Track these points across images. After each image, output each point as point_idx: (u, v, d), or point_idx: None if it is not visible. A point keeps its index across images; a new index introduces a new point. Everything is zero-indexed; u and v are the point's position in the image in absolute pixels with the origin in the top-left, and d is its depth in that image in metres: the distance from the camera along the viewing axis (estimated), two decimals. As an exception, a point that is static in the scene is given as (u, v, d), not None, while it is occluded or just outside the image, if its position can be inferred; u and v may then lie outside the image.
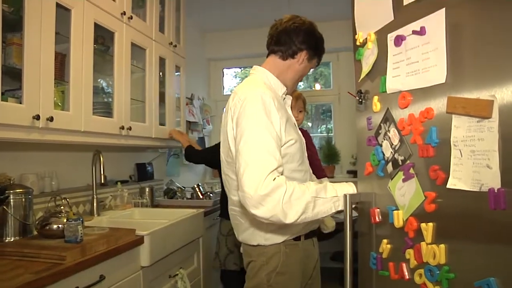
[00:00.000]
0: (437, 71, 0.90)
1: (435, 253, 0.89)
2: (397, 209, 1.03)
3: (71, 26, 1.91)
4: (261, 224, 1.43)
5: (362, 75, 1.19)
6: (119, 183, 2.68)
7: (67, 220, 1.63)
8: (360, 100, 1.19)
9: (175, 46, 3.05)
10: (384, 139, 1.10)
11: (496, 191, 0.75)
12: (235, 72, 5.26)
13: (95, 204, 2.36)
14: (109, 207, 2.59)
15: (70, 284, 1.46)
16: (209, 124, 4.46)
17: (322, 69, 4.86)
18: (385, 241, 1.09)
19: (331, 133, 4.67)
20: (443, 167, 0.88)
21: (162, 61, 2.88)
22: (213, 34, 4.66)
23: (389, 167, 1.08)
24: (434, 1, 0.92)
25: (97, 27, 2.10)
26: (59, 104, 1.91)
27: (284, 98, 1.56)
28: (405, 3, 1.02)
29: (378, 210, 1.12)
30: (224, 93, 4.96)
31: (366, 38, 1.16)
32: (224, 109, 1.53)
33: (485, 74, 0.80)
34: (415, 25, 0.96)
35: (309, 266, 1.61)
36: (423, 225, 0.94)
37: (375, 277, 1.14)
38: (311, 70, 1.69)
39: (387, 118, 1.08)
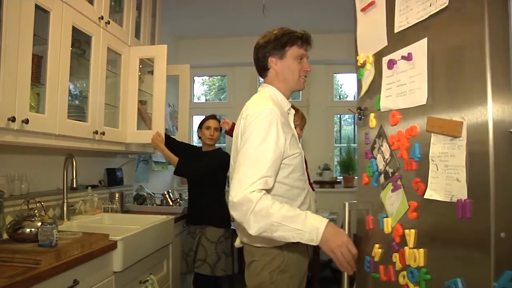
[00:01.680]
0: (420, 93, 1.00)
1: (416, 256, 0.99)
2: (387, 216, 1.13)
3: (50, 28, 1.89)
4: None
5: (362, 93, 1.30)
6: (89, 187, 2.65)
7: (42, 224, 1.60)
8: (360, 116, 1.30)
9: (150, 52, 3.06)
10: (378, 153, 1.20)
11: (463, 201, 0.84)
12: (202, 79, 5.29)
13: (65, 209, 2.32)
14: (78, 211, 2.55)
15: (44, 288, 1.45)
16: (177, 130, 4.45)
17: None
18: (377, 245, 1.19)
19: (299, 143, 4.78)
20: (423, 180, 0.98)
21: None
22: (185, 41, 4.69)
23: (381, 178, 1.18)
24: (419, 31, 1.03)
25: (75, 30, 2.09)
26: (34, 106, 1.88)
27: (289, 113, 1.71)
28: (395, 30, 1.13)
29: (372, 217, 1.22)
30: (194, 101, 4.97)
31: (365, 60, 1.26)
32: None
33: (455, 98, 0.91)
34: (404, 51, 1.07)
35: (304, 267, 1.71)
36: (406, 231, 1.04)
37: (370, 280, 1.24)
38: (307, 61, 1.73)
39: (381, 134, 1.19)
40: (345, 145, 4.72)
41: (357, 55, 1.34)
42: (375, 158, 1.22)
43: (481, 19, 0.83)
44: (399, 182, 1.08)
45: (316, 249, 3.66)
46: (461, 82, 0.90)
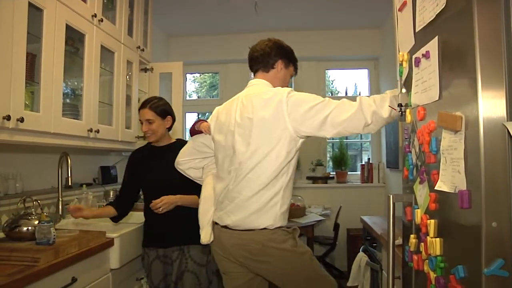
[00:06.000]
0: (434, 89, 1.05)
1: (434, 245, 1.03)
2: (418, 208, 1.19)
3: (43, 26, 1.89)
4: None
5: (401, 91, 1.36)
6: (84, 185, 2.65)
7: (39, 222, 1.61)
8: (401, 112, 1.34)
9: (143, 50, 3.06)
10: (412, 147, 1.26)
11: (462, 192, 0.88)
12: (194, 77, 5.29)
13: (60, 207, 2.32)
14: (73, 210, 2.55)
15: (43, 286, 1.46)
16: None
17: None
18: (412, 236, 1.23)
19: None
20: (439, 172, 1.03)
21: (129, 65, 2.88)
22: (177, 39, 4.68)
23: (414, 171, 1.24)
24: (432, 30, 1.08)
25: (68, 28, 2.08)
26: (28, 104, 1.88)
27: None
28: (416, 30, 1.19)
29: (410, 208, 1.27)
30: (186, 98, 4.98)
31: (403, 58, 1.32)
32: (237, 115, 1.70)
33: (457, 93, 0.94)
34: (424, 50, 1.12)
35: None
36: (428, 221, 1.08)
37: (408, 269, 1.31)
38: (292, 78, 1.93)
39: (413, 129, 1.24)
40: (337, 140, 4.76)
41: (399, 53, 1.38)
42: (411, 152, 1.28)
43: (470, 16, 0.86)
44: (424, 175, 1.14)
45: (310, 245, 3.70)
46: (460, 77, 0.93)
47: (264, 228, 1.58)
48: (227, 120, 1.73)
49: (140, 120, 2.23)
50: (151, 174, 2.22)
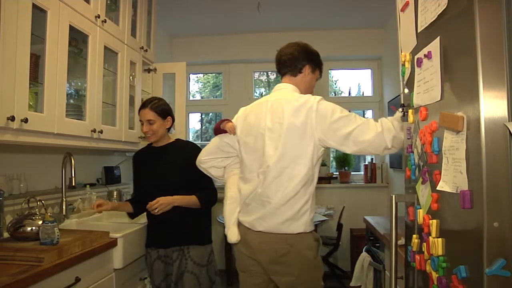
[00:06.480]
0: (436, 90, 1.05)
1: (436, 245, 1.03)
2: (420, 208, 1.19)
3: (47, 27, 1.90)
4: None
5: (403, 91, 1.36)
6: (88, 186, 2.66)
7: (43, 222, 1.62)
8: (403, 112, 1.36)
9: (146, 50, 3.07)
10: (414, 147, 1.26)
11: (464, 192, 0.88)
12: (197, 77, 5.31)
13: (64, 207, 2.33)
14: (77, 210, 2.56)
15: (47, 286, 1.47)
16: (174, 129, 4.46)
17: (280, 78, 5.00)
18: (414, 236, 1.24)
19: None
20: (441, 172, 1.03)
21: (132, 65, 2.89)
22: (180, 39, 4.69)
23: (416, 171, 1.24)
24: (434, 30, 1.08)
25: (71, 29, 2.09)
26: (32, 105, 1.89)
27: None
28: (418, 30, 1.19)
29: (413, 209, 1.27)
30: (190, 98, 4.99)
31: (405, 58, 1.32)
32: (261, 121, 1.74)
33: (459, 93, 0.95)
34: (426, 50, 1.13)
35: None
36: (430, 221, 1.08)
37: (411, 269, 1.31)
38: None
39: (415, 129, 1.25)
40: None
41: (401, 53, 1.38)
42: (413, 153, 1.28)
43: (472, 16, 0.86)
44: (426, 175, 1.14)
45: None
46: (462, 78, 0.93)
47: (297, 233, 1.65)
48: (256, 123, 1.76)
49: (140, 120, 2.21)
50: (149, 174, 2.22)
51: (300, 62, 1.81)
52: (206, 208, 2.19)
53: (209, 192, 2.17)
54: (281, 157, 1.65)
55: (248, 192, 1.75)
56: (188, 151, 2.17)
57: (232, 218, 1.81)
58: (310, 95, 1.72)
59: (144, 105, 2.18)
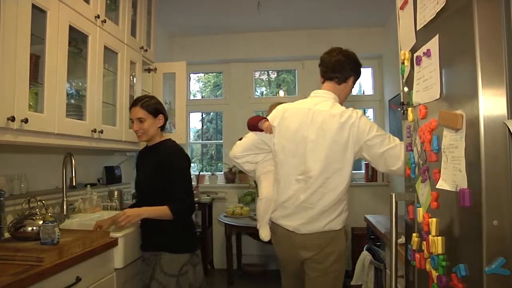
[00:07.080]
0: (436, 88, 1.05)
1: (435, 244, 1.03)
2: (420, 206, 1.19)
3: (47, 28, 1.90)
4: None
5: (403, 89, 1.36)
6: (88, 186, 2.67)
7: (43, 222, 1.62)
8: (403, 111, 1.36)
9: (146, 50, 3.07)
10: (414, 146, 1.26)
11: (463, 190, 0.87)
12: (198, 76, 5.31)
13: (65, 207, 2.33)
14: (78, 210, 2.57)
15: (47, 286, 1.47)
16: (175, 128, 4.46)
17: (284, 76, 5.00)
18: (414, 234, 1.24)
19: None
20: (440, 171, 1.03)
21: (132, 65, 2.89)
22: (180, 39, 4.69)
23: (416, 170, 1.24)
24: (433, 28, 1.08)
25: (71, 29, 2.10)
26: (32, 105, 1.89)
27: None
28: (417, 28, 1.19)
29: (412, 207, 1.27)
30: (190, 98, 4.99)
31: (404, 57, 1.32)
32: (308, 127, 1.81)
33: (458, 92, 0.95)
34: (425, 48, 1.12)
35: None
36: (429, 220, 1.08)
37: (411, 268, 1.31)
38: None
39: (415, 127, 1.25)
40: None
41: (400, 51, 1.38)
42: (412, 151, 1.28)
43: (471, 14, 0.86)
44: (426, 174, 1.14)
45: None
46: (461, 76, 0.93)
47: (338, 230, 1.84)
48: (299, 130, 1.81)
49: (131, 119, 2.14)
50: (139, 175, 2.21)
51: (348, 72, 1.87)
52: (179, 219, 2.01)
53: (183, 204, 2.01)
54: (324, 169, 1.75)
55: (288, 197, 1.84)
56: (162, 154, 2.07)
57: (265, 217, 1.93)
58: (352, 109, 1.80)
59: (134, 103, 2.11)
